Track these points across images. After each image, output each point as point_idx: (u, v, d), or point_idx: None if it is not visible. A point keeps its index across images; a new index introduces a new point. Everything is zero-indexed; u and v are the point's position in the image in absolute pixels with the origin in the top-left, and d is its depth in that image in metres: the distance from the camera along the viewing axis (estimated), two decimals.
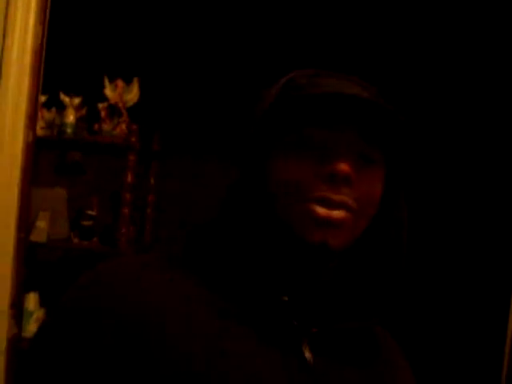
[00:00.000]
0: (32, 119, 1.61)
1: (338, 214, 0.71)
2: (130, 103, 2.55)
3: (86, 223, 2.48)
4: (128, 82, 2.57)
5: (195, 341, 0.67)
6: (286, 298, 0.73)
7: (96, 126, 2.50)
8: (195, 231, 0.80)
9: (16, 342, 1.65)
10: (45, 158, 2.67)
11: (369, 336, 0.81)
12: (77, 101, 2.52)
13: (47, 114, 2.57)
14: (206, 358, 0.66)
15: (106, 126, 2.48)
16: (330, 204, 0.71)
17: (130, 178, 2.36)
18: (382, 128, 0.74)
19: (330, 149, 0.72)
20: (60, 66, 2.54)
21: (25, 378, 0.71)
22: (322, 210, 0.71)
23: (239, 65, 2.93)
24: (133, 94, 2.54)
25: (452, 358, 2.25)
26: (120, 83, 2.54)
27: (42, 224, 2.45)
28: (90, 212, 2.50)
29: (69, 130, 2.45)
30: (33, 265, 2.35)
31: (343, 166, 0.71)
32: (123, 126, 2.48)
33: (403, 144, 0.77)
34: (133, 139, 2.39)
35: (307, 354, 0.72)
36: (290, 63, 0.85)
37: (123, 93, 2.54)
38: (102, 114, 2.50)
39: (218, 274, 0.74)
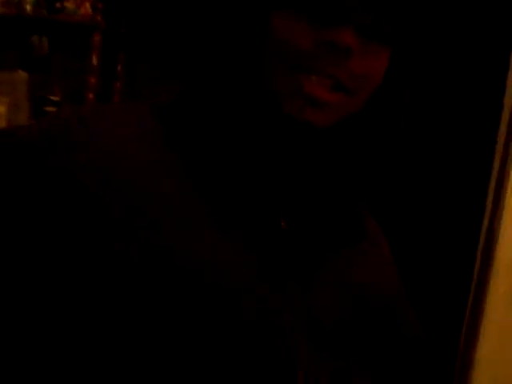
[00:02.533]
0: None
1: (329, 96, 0.65)
2: None
3: (49, 109, 2.37)
4: None
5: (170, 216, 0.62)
6: (259, 163, 0.68)
7: (58, 5, 2.34)
8: (176, 95, 0.73)
9: None
10: (3, 38, 2.50)
11: (356, 226, 0.78)
12: None
13: None
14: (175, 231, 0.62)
15: (69, 5, 2.33)
16: (323, 79, 0.65)
17: (95, 61, 2.24)
18: (396, 5, 0.67)
19: (335, 12, 0.64)
20: None
21: None
22: (311, 87, 0.64)
23: None
24: None
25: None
26: None
27: (1, 109, 2.34)
28: (53, 97, 2.39)
29: (28, 7, 2.29)
30: None
31: (345, 36, 0.63)
32: (87, 5, 2.33)
33: (417, 27, 0.71)
34: (98, 18, 2.25)
35: (283, 223, 0.68)
36: None
37: None
38: None
39: (195, 136, 0.69)
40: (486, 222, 1.90)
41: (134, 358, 0.59)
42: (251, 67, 0.69)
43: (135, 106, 0.71)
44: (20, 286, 0.60)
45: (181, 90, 0.73)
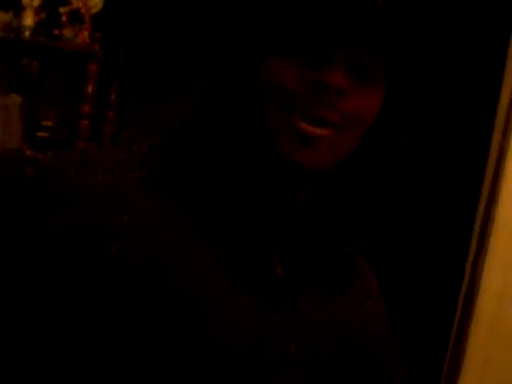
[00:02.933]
0: None
1: (320, 131, 0.65)
2: (94, 10, 2.40)
3: (41, 134, 2.37)
4: None
5: (162, 257, 0.63)
6: (264, 211, 0.69)
7: (56, 32, 2.36)
8: (169, 135, 0.73)
9: None
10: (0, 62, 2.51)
11: (345, 264, 0.79)
12: (37, 2, 2.35)
13: (4, 16, 2.41)
14: (170, 274, 0.62)
15: (68, 32, 2.34)
16: (314, 119, 0.65)
17: (90, 89, 2.25)
18: (386, 40, 0.67)
19: (324, 54, 0.65)
20: None
21: None
22: (303, 125, 0.65)
23: None
24: (97, 0, 2.39)
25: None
26: None
27: None
28: (45, 123, 2.38)
29: (26, 33, 2.30)
30: None
31: (335, 76, 0.64)
32: (85, 34, 2.34)
33: (409, 62, 0.71)
34: (96, 47, 2.26)
35: (278, 270, 0.69)
36: None
37: None
38: (64, 18, 2.36)
39: (189, 181, 0.69)
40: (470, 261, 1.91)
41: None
42: (245, 109, 0.69)
43: (132, 154, 0.70)
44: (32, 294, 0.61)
45: (173, 131, 0.72)
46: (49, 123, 2.39)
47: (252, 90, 0.68)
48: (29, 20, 2.33)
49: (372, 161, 0.75)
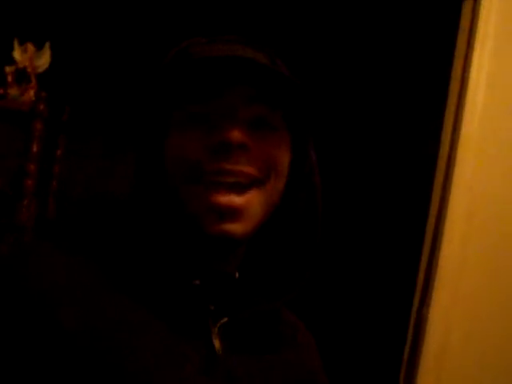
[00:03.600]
0: None
1: (238, 200, 0.66)
2: (40, 69, 2.42)
3: None
4: (39, 47, 2.44)
5: (95, 334, 0.63)
6: (198, 282, 0.69)
7: (1, 91, 2.36)
8: (100, 215, 0.76)
9: None
10: None
11: (280, 328, 0.79)
12: None
13: None
14: (105, 350, 0.62)
15: (13, 91, 2.35)
16: (227, 184, 0.66)
17: (35, 148, 2.25)
18: (280, 93, 0.69)
19: (218, 118, 0.67)
20: None
21: None
22: (219, 198, 0.66)
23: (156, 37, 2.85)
24: (44, 60, 2.41)
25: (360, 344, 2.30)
26: (30, 47, 2.41)
27: None
28: None
29: None
30: None
31: (234, 133, 0.66)
32: (31, 93, 2.35)
33: (303, 108, 0.73)
34: (41, 107, 2.28)
35: (216, 344, 0.69)
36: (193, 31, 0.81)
37: (33, 57, 2.41)
38: (9, 78, 2.36)
39: (122, 261, 0.70)
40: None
41: None
42: (162, 183, 0.69)
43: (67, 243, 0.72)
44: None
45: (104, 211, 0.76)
46: None
47: (162, 165, 0.69)
48: None
49: (293, 217, 0.76)
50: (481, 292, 1.71)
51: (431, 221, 1.76)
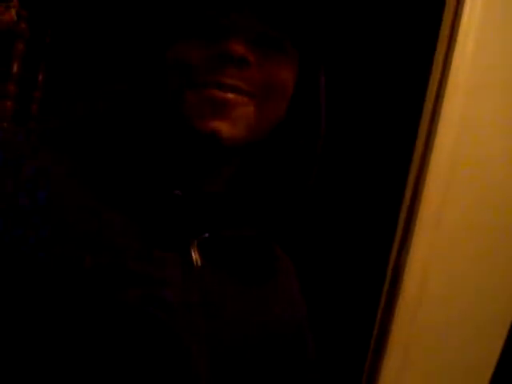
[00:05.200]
0: None
1: (233, 96, 0.66)
2: None
3: None
4: None
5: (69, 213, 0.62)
6: (180, 193, 0.68)
7: None
8: (82, 117, 0.73)
9: None
10: None
11: (263, 252, 0.79)
12: None
13: None
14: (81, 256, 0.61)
15: None
16: (224, 87, 0.65)
17: (15, 68, 2.19)
18: (290, 18, 0.68)
19: (223, 28, 0.66)
20: None
21: None
22: (214, 92, 0.65)
23: None
24: None
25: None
26: None
27: None
28: None
29: None
30: None
31: (236, 46, 0.65)
32: (12, 12, 2.27)
33: (313, 34, 0.72)
34: (22, 26, 2.20)
35: (194, 256, 0.69)
36: None
37: None
38: None
39: (103, 161, 0.68)
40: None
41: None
42: (156, 91, 0.69)
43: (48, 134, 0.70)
44: None
45: (88, 112, 0.73)
46: None
47: (162, 74, 0.68)
48: None
49: (293, 139, 0.75)
50: (459, 241, 1.72)
51: (414, 167, 1.76)
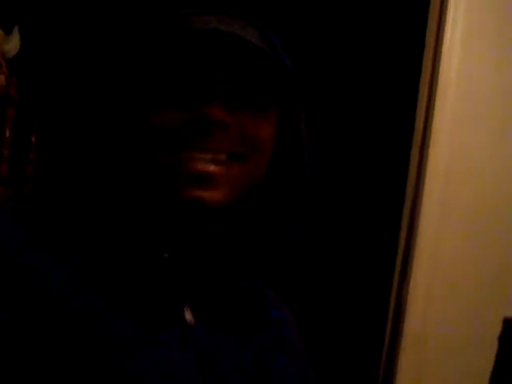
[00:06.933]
0: None
1: (213, 168, 0.66)
2: (10, 54, 2.38)
3: None
4: (7, 32, 2.39)
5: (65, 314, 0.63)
6: (167, 255, 0.68)
7: None
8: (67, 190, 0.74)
9: None
10: None
11: (258, 304, 0.79)
12: None
13: None
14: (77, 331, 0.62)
15: None
16: (202, 151, 0.66)
17: (8, 133, 2.23)
18: (267, 71, 0.69)
19: (201, 92, 0.67)
20: None
21: None
22: (195, 165, 0.66)
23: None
24: (13, 44, 2.37)
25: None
26: None
27: None
28: None
29: None
30: None
31: (214, 110, 0.65)
32: (2, 79, 2.32)
33: (292, 86, 0.73)
34: (12, 92, 2.25)
35: (188, 316, 0.69)
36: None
37: (2, 43, 2.37)
38: None
39: (89, 234, 0.68)
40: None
41: None
42: (138, 156, 0.69)
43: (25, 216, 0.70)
44: None
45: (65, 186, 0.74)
46: None
47: (142, 138, 0.69)
48: None
49: (278, 190, 0.75)
50: (460, 253, 1.74)
51: (411, 182, 1.79)
